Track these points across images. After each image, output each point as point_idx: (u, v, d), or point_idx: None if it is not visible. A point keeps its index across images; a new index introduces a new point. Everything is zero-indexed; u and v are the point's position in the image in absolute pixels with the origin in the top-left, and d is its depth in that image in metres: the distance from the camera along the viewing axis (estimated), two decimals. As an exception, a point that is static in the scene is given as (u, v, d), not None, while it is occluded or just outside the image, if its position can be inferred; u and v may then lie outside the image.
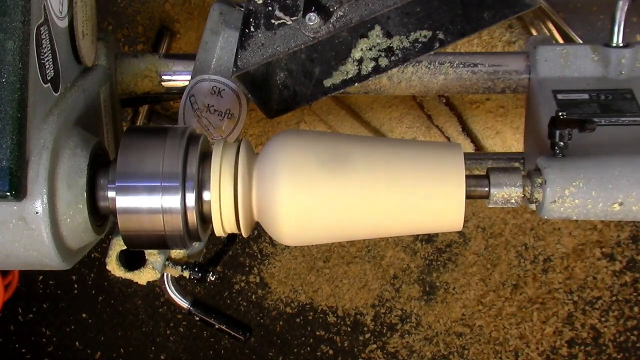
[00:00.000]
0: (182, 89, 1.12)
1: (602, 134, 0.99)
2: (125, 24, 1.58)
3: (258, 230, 1.70)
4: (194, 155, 0.90)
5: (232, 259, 1.75)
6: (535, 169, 0.93)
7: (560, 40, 1.47)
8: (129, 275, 1.02)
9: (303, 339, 1.79)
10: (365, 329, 1.77)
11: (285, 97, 1.11)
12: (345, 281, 1.76)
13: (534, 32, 1.50)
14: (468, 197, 0.90)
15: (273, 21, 1.00)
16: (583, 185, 0.90)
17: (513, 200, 0.92)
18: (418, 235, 1.73)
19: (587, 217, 0.92)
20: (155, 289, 1.76)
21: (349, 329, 1.78)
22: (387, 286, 1.75)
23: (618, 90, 1.09)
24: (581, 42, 1.46)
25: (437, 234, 1.73)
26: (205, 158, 0.91)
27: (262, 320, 1.78)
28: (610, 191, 0.90)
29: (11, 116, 0.82)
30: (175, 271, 1.04)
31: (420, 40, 1.07)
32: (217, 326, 1.11)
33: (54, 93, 0.92)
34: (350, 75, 1.09)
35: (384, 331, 1.77)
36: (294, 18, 1.00)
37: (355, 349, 1.78)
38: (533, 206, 0.94)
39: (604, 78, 1.12)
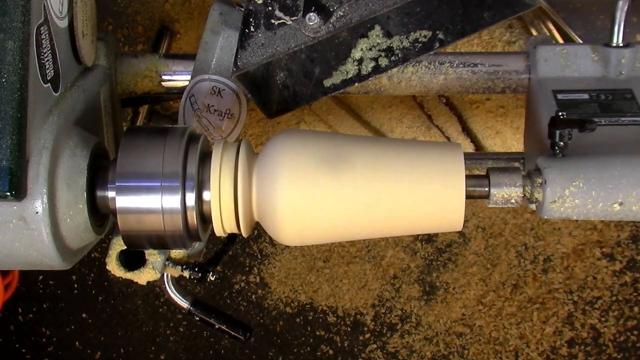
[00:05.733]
0: (182, 89, 1.12)
1: (602, 134, 0.99)
2: (125, 24, 1.58)
3: (258, 230, 1.70)
4: (194, 155, 0.90)
5: (232, 259, 1.75)
6: (535, 169, 0.93)
7: (560, 40, 1.47)
8: (129, 275, 1.02)
9: (303, 339, 1.79)
10: (365, 329, 1.77)
11: (285, 97, 1.11)
12: (345, 281, 1.76)
13: (534, 32, 1.50)
14: (468, 197, 0.90)
15: (273, 21, 1.00)
16: (583, 185, 0.90)
17: (513, 200, 0.92)
18: (418, 235, 1.73)
19: (587, 217, 0.92)
20: (155, 289, 1.76)
21: (349, 329, 1.78)
22: (387, 286, 1.75)
23: (618, 90, 1.09)
24: (581, 42, 1.46)
25: (437, 234, 1.73)
26: (205, 158, 0.92)
27: (262, 320, 1.78)
28: (610, 191, 0.90)
29: (11, 116, 0.82)
30: (175, 271, 1.04)
31: (420, 40, 1.07)
32: (217, 326, 1.11)
33: (54, 93, 0.92)
34: (350, 75, 1.09)
35: (384, 331, 1.77)
36: (294, 18, 1.00)
37: (355, 349, 1.78)
38: (533, 206, 0.94)
39: (604, 78, 1.12)
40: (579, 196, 0.90)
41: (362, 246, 1.74)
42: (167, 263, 1.03)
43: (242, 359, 1.80)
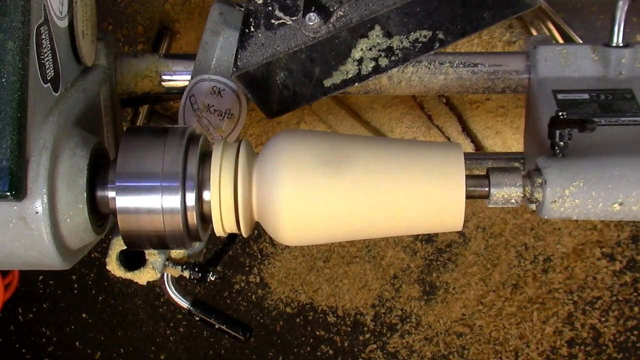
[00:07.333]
0: (182, 89, 1.12)
1: (602, 134, 0.99)
2: (125, 24, 1.58)
3: (258, 230, 1.70)
4: (194, 155, 0.90)
5: (232, 259, 1.75)
6: (535, 169, 0.93)
7: (560, 40, 1.47)
8: (129, 275, 1.02)
9: (303, 339, 1.79)
10: (365, 329, 1.77)
11: (285, 97, 1.11)
12: (345, 281, 1.76)
13: (534, 32, 1.50)
14: (468, 197, 0.90)
15: (273, 21, 1.00)
16: (583, 185, 0.90)
17: (513, 200, 0.92)
18: (418, 235, 1.73)
19: (587, 217, 0.92)
20: (155, 289, 1.76)
21: (349, 329, 1.78)
22: (387, 286, 1.75)
23: (618, 90, 1.09)
24: (581, 42, 1.46)
25: (437, 234, 1.73)
26: (205, 158, 0.92)
27: (262, 320, 1.78)
28: (610, 191, 0.90)
29: (11, 116, 0.82)
30: (175, 271, 1.04)
31: (420, 40, 1.07)
32: (217, 326, 1.11)
33: (54, 93, 0.92)
34: (350, 75, 1.09)
35: (384, 331, 1.77)
36: (294, 18, 1.00)
37: (355, 349, 1.78)
38: (533, 206, 0.94)
39: (604, 78, 1.12)
40: (579, 196, 0.90)
41: (362, 246, 1.74)
42: (167, 263, 1.03)
43: (242, 359, 1.80)
